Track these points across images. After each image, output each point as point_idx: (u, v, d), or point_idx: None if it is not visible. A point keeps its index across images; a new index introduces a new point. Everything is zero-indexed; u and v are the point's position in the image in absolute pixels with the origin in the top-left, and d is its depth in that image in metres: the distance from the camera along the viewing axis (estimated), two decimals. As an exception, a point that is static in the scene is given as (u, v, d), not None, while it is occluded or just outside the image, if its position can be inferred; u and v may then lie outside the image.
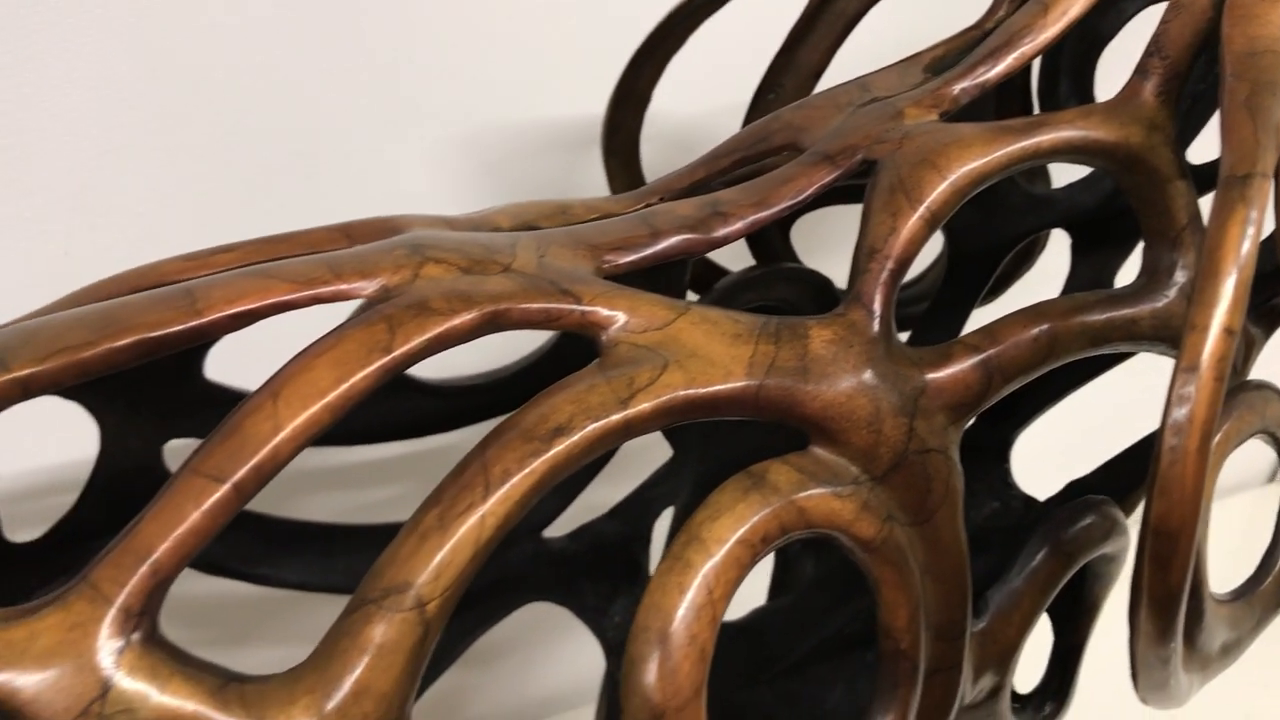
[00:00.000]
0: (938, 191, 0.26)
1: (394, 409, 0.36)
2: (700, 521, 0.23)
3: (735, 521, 0.23)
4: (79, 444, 0.33)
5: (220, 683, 0.19)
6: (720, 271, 0.38)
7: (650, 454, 0.42)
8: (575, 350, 0.37)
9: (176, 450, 0.34)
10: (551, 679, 0.55)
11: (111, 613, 0.19)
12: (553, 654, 0.54)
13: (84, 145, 0.38)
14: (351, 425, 0.28)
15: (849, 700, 0.37)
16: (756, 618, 0.39)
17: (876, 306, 0.26)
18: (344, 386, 0.21)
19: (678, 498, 0.42)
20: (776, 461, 0.24)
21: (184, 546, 0.19)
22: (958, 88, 0.29)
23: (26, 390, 0.20)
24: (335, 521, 0.37)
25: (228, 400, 0.32)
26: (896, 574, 0.26)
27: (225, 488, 0.20)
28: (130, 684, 0.19)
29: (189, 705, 0.19)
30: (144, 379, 0.30)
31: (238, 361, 0.32)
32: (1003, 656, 0.30)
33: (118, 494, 0.33)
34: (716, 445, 0.41)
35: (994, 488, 0.36)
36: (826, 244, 0.42)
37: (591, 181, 0.42)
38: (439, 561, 0.20)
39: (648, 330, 0.24)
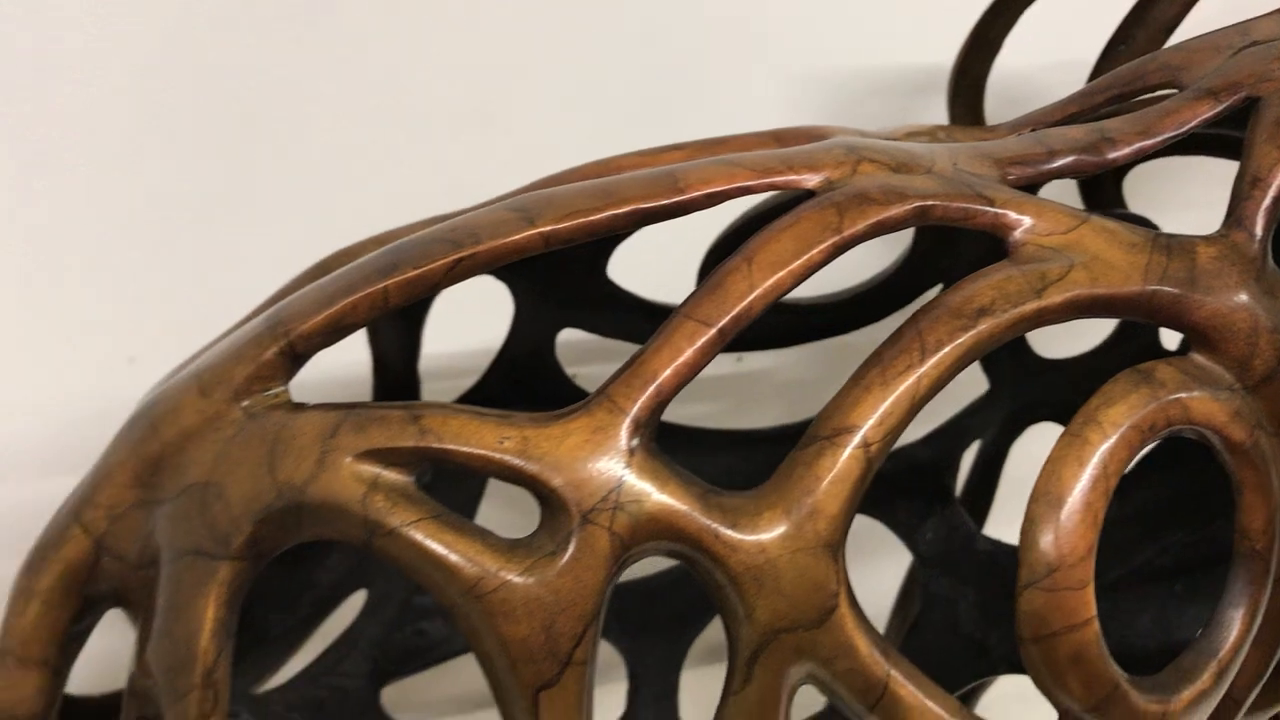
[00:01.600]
0: (1328, 125, 0.28)
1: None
2: (1096, 407, 0.26)
3: (1129, 409, 0.26)
4: (478, 332, 0.38)
5: (703, 491, 0.23)
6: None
7: (964, 390, 0.44)
8: (903, 281, 0.40)
9: (562, 344, 0.38)
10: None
11: (626, 421, 0.23)
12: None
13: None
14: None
15: (1159, 626, 0.38)
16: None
17: (1258, 230, 0.28)
18: (803, 258, 0.24)
19: (986, 431, 0.44)
20: (1162, 362, 0.27)
21: (679, 375, 0.23)
22: (1344, 32, 0.30)
23: (547, 243, 0.25)
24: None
25: (620, 300, 0.36)
26: (1258, 478, 0.28)
27: (712, 331, 0.24)
28: (638, 481, 0.23)
29: (681, 505, 0.23)
30: (560, 271, 0.35)
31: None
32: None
33: (514, 375, 0.38)
34: (1028, 386, 0.44)
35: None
36: (1157, 198, 0.44)
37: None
38: (882, 411, 0.24)
39: (1053, 234, 0.27)
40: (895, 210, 0.26)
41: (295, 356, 0.24)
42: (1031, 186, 0.29)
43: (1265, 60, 0.30)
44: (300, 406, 0.24)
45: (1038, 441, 0.35)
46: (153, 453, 0.24)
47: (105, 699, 0.32)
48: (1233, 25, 0.32)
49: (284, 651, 0.37)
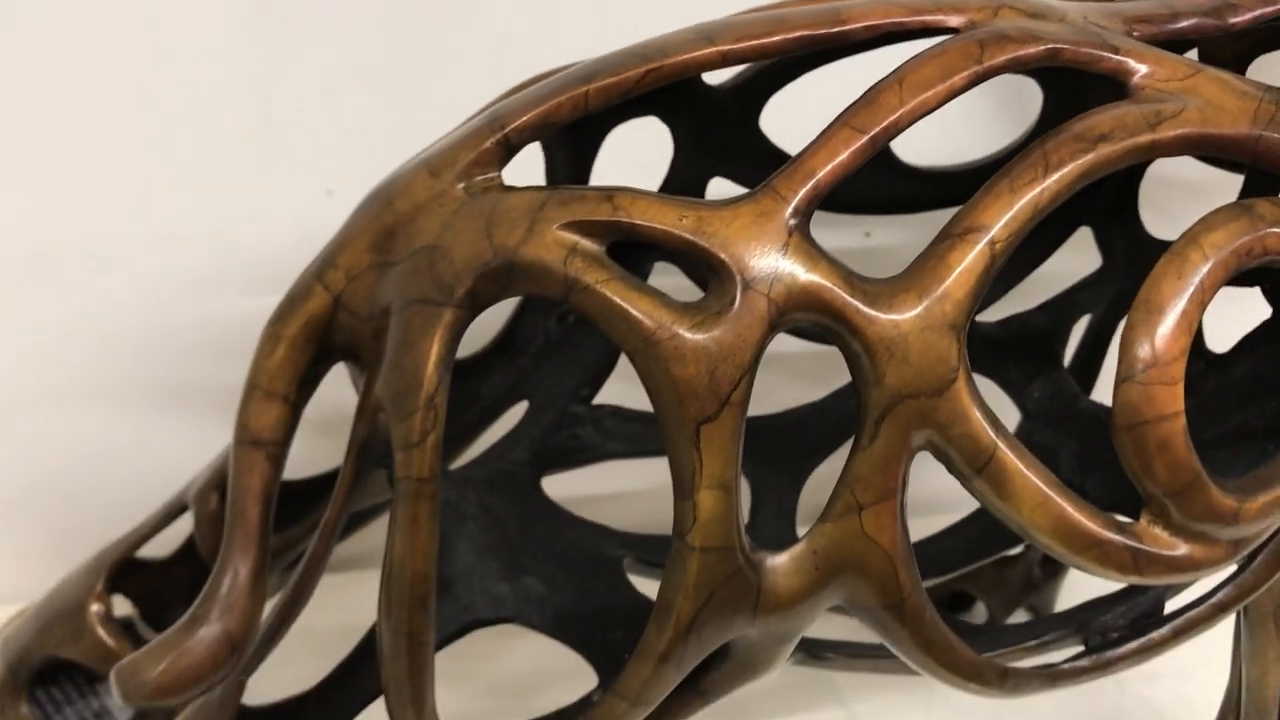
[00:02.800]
0: None
1: (874, 185, 0.43)
2: (1198, 231, 0.29)
3: (1228, 235, 0.29)
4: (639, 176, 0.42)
5: (848, 274, 0.27)
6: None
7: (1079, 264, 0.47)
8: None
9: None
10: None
11: (787, 209, 0.27)
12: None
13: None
14: (837, 196, 0.35)
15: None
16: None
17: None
18: (948, 81, 0.28)
19: (1098, 306, 0.47)
20: (1263, 200, 0.30)
21: (834, 174, 0.28)
22: None
23: (724, 60, 0.29)
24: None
25: (768, 153, 0.40)
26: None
27: (864, 138, 0.28)
28: (794, 258, 0.27)
29: (828, 283, 0.27)
30: (717, 118, 0.39)
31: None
32: None
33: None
34: (1140, 265, 0.47)
35: None
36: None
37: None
38: (1009, 215, 0.28)
39: (1170, 80, 0.30)
40: (1030, 50, 0.29)
41: (509, 147, 0.29)
42: (1156, 43, 0.32)
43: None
44: (512, 188, 0.29)
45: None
46: (387, 223, 0.29)
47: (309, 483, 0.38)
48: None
49: (454, 451, 0.42)
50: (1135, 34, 0.31)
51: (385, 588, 0.29)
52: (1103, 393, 0.47)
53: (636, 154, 0.39)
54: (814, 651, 0.35)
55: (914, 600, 0.29)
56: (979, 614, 0.54)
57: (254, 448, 0.31)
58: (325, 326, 0.30)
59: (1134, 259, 0.46)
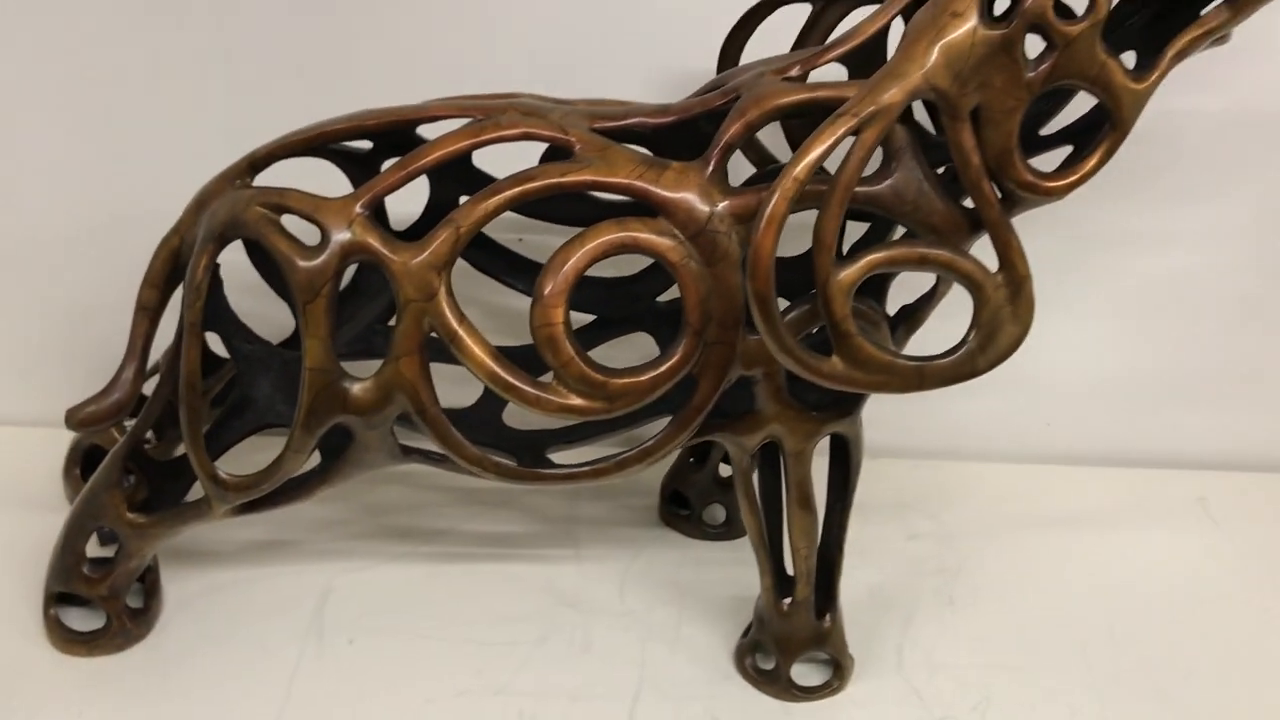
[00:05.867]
0: None
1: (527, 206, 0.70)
2: (590, 231, 0.55)
3: (606, 231, 0.55)
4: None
5: (386, 237, 0.55)
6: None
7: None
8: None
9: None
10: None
11: (356, 205, 0.55)
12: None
13: None
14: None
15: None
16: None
17: (712, 160, 0.56)
18: (458, 145, 0.56)
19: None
20: (634, 218, 0.55)
21: (385, 186, 0.55)
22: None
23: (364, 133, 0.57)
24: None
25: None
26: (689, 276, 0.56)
27: (403, 172, 0.56)
28: (354, 229, 0.55)
29: (372, 240, 0.55)
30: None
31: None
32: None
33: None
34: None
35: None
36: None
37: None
38: (473, 216, 0.55)
39: (591, 149, 0.56)
40: (510, 131, 0.56)
41: (254, 167, 0.59)
42: (613, 133, 0.58)
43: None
44: (249, 186, 0.59)
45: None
46: (202, 200, 0.60)
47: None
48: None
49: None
50: (595, 126, 0.58)
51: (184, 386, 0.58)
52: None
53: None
54: (410, 456, 0.62)
55: (432, 410, 0.57)
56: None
57: (143, 312, 0.62)
58: (176, 251, 0.61)
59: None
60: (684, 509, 0.79)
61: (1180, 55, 0.52)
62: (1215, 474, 0.87)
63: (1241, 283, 0.82)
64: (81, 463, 0.75)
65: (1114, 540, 0.81)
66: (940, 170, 0.56)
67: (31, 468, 0.79)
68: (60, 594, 0.66)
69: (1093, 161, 0.54)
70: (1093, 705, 0.68)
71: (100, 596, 0.65)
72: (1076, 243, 0.81)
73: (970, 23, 0.51)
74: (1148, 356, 0.85)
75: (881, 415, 0.82)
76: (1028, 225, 0.73)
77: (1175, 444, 0.87)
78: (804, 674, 0.68)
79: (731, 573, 0.75)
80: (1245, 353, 0.84)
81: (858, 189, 0.53)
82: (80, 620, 0.67)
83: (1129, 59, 0.55)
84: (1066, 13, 0.51)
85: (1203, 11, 0.52)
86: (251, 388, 0.63)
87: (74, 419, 0.61)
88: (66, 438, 0.75)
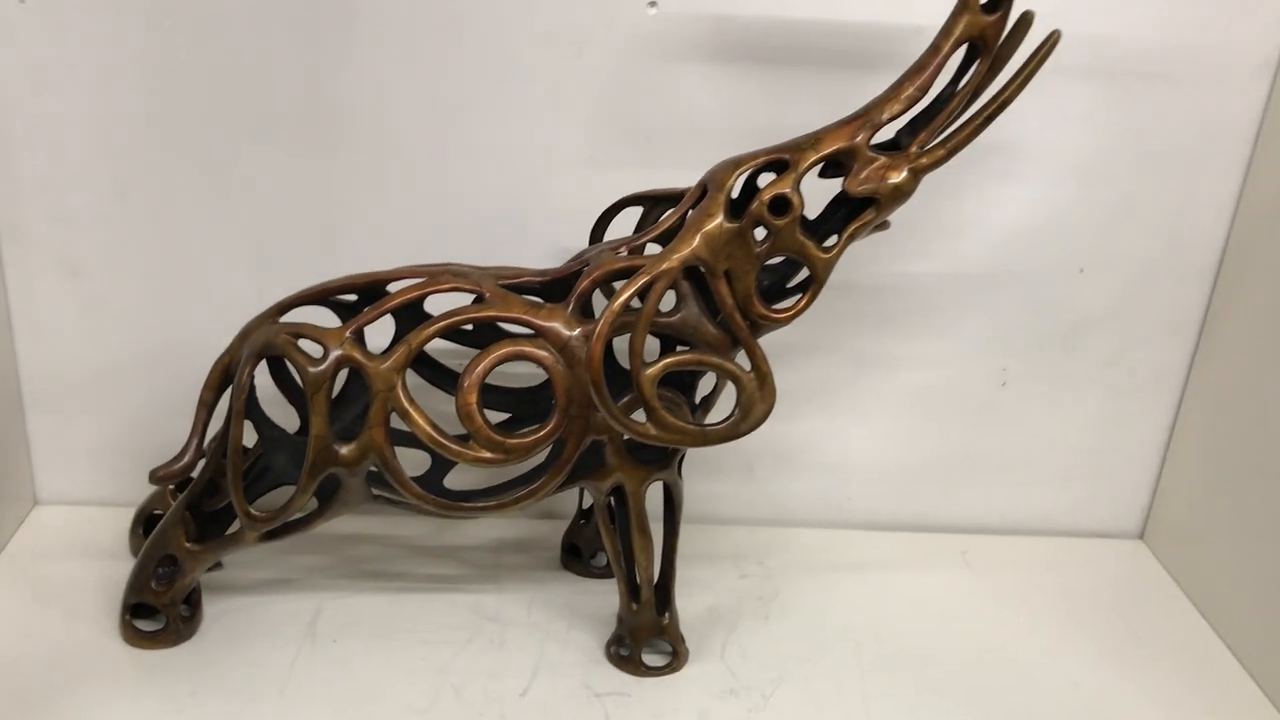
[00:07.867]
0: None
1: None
2: (498, 348, 0.87)
3: (507, 348, 0.87)
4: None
5: (356, 339, 0.88)
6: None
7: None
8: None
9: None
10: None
11: (346, 332, 0.88)
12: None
13: None
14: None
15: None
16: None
17: (569, 304, 0.89)
18: (407, 296, 0.88)
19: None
20: (529, 339, 0.88)
21: (368, 321, 0.88)
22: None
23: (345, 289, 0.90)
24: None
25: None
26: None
27: (378, 310, 0.88)
28: (347, 345, 0.87)
29: (348, 335, 0.87)
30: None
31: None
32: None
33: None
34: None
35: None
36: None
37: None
38: (423, 334, 0.87)
39: (496, 299, 0.89)
40: (441, 287, 0.89)
41: (283, 307, 0.91)
42: (512, 286, 0.91)
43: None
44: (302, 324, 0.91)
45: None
46: (244, 332, 0.92)
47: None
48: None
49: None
50: (501, 282, 0.90)
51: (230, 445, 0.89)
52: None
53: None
54: (377, 500, 0.92)
55: (394, 463, 0.87)
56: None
57: (203, 406, 0.93)
58: (226, 367, 0.93)
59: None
60: (577, 557, 1.10)
61: (852, 237, 0.86)
62: (975, 535, 1.19)
63: (976, 392, 1.14)
64: (144, 525, 1.06)
65: (894, 579, 1.12)
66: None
67: (110, 529, 1.09)
68: (135, 605, 0.95)
69: (804, 302, 0.86)
70: (856, 681, 0.97)
71: (163, 604, 0.94)
72: (860, 366, 1.13)
73: (719, 219, 0.84)
74: (918, 447, 1.17)
75: (727, 492, 1.16)
76: (820, 354, 1.08)
77: (945, 512, 1.19)
78: (651, 658, 0.97)
79: (609, 599, 1.04)
80: (989, 442, 1.17)
81: (657, 319, 0.86)
82: (145, 625, 0.96)
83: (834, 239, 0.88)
84: (782, 209, 0.85)
85: (863, 211, 0.86)
86: (272, 459, 0.94)
87: (155, 475, 0.92)
88: (131, 512, 1.06)
